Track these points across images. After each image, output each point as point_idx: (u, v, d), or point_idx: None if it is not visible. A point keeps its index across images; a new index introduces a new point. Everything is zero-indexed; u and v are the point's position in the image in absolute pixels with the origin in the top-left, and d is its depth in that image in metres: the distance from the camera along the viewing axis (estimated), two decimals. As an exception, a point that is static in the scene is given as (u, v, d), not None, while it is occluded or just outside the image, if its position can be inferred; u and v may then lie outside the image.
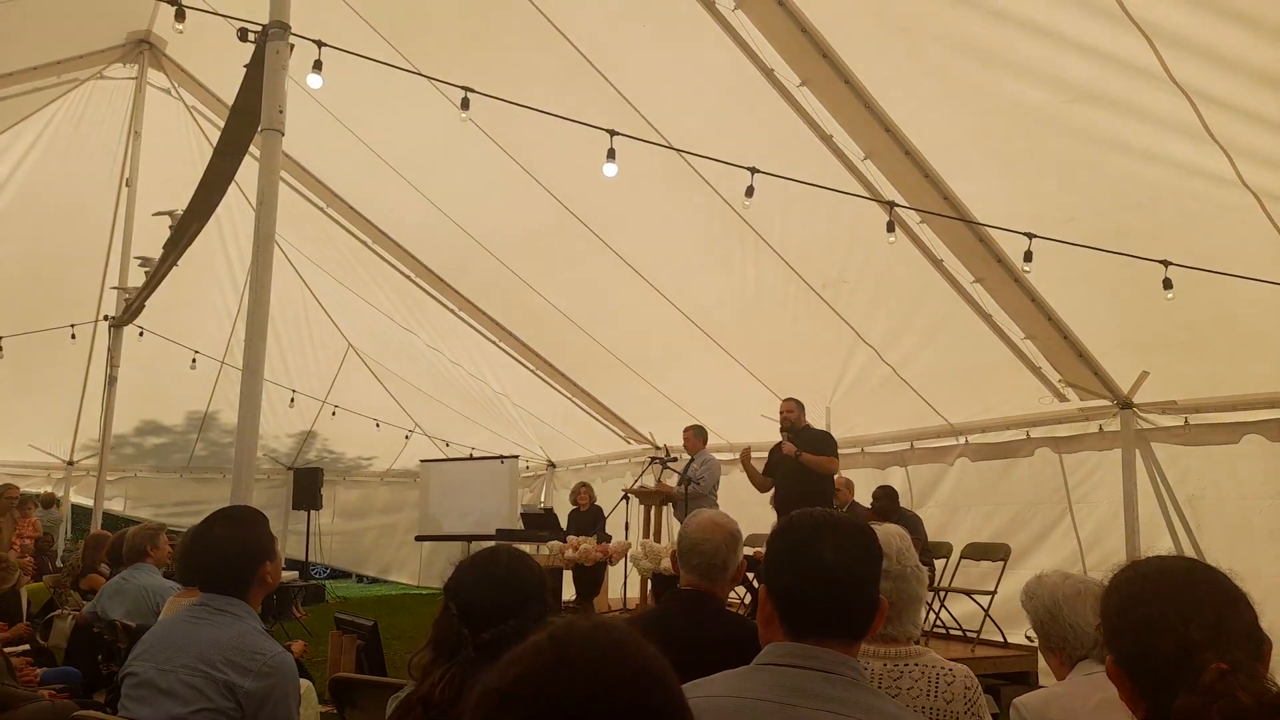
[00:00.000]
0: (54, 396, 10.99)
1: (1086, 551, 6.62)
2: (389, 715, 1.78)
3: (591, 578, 7.62)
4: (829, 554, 1.45)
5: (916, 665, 2.11)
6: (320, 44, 4.11)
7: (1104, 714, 1.86)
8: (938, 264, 5.86)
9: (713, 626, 2.33)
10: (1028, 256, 4.72)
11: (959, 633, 6.56)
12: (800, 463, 6.46)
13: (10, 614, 5.97)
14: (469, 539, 12.42)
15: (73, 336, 10.04)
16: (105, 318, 9.13)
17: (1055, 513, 6.86)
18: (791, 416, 6.77)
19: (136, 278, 8.19)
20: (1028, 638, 2.30)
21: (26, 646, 5.06)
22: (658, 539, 7.81)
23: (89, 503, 10.24)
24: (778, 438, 6.89)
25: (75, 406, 11.16)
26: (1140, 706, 1.30)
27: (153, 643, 2.22)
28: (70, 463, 11.84)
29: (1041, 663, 6.12)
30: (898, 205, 4.97)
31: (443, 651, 1.75)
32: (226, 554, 2.26)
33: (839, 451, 6.76)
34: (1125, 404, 6.17)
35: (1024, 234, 4.65)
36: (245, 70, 3.96)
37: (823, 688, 1.37)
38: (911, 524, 6.97)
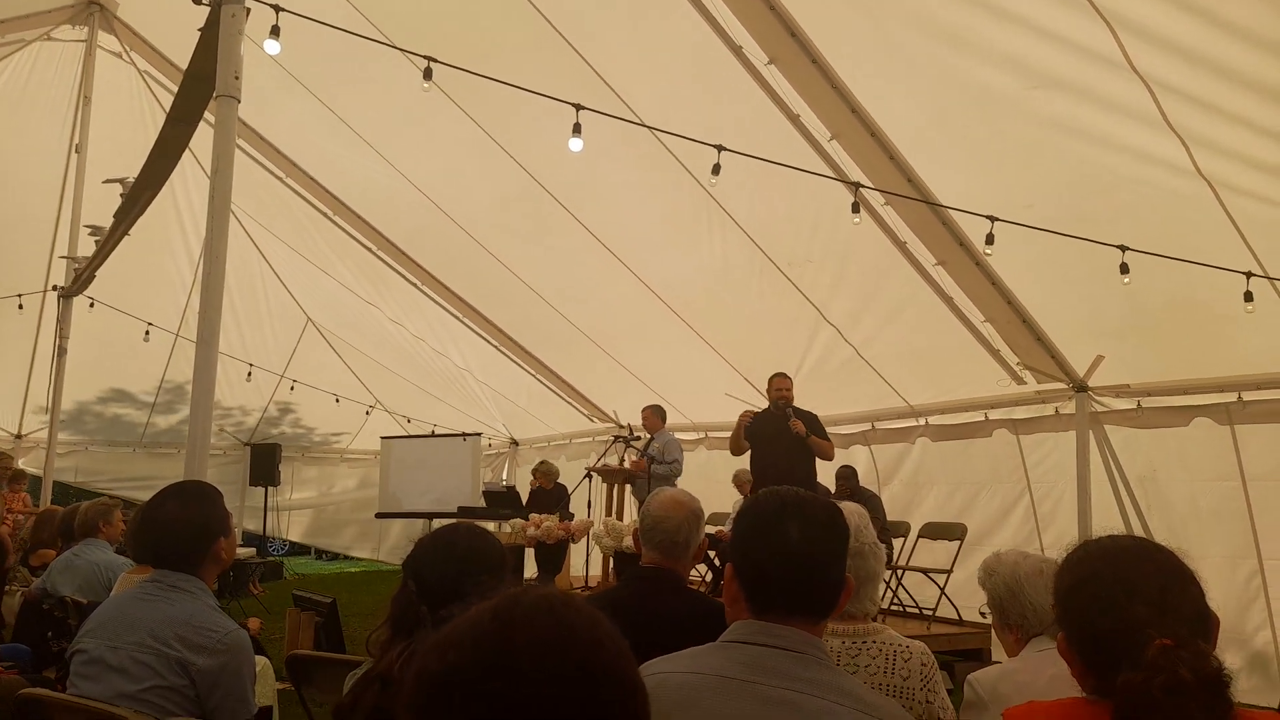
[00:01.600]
0: (1, 368, 10.69)
1: (1043, 530, 6.77)
2: (346, 692, 1.76)
3: (554, 555, 7.63)
4: (795, 533, 1.44)
5: (874, 642, 2.13)
6: (278, 9, 3.99)
7: (1055, 688, 1.89)
8: (901, 245, 5.90)
9: (675, 604, 2.34)
10: (989, 239, 4.77)
11: (915, 610, 6.67)
12: (797, 439, 6.32)
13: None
14: (430, 516, 12.37)
15: (20, 307, 9.74)
16: (54, 288, 8.88)
17: (1014, 493, 7.00)
18: (789, 394, 6.59)
19: (87, 247, 7.97)
20: (982, 614, 2.33)
21: (-27, 623, 4.94)
22: (620, 517, 7.83)
23: (38, 473, 9.98)
24: (739, 416, 6.85)
25: (23, 378, 10.87)
26: (1088, 682, 1.33)
27: (103, 619, 2.17)
28: (18, 436, 11.54)
29: (994, 640, 6.28)
30: (863, 186, 4.98)
31: (401, 628, 1.73)
32: (179, 530, 2.21)
33: None
34: (1081, 387, 6.28)
35: (986, 217, 4.70)
36: (200, 34, 3.84)
37: (788, 666, 1.37)
38: (870, 503, 7.07)
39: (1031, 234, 4.81)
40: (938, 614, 6.55)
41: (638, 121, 5.27)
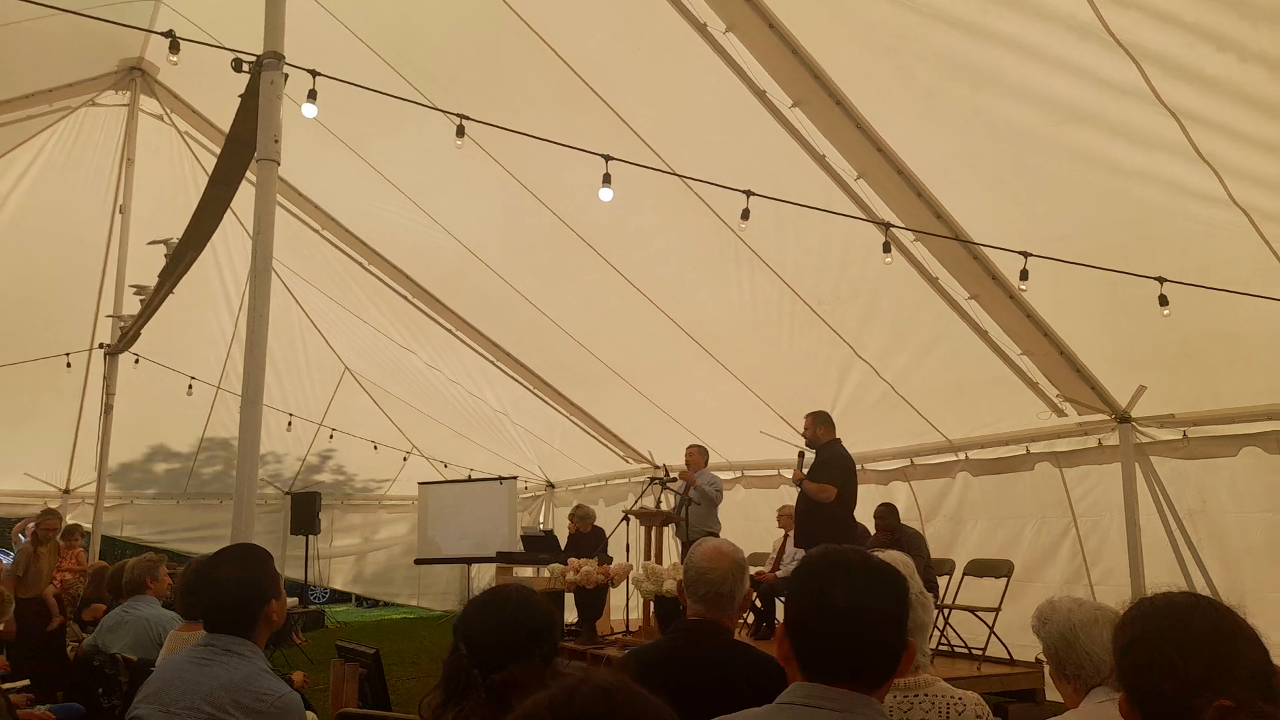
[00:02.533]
0: (49, 424, 10.95)
1: (1091, 565, 6.63)
2: (399, 758, 1.77)
3: (593, 601, 7.58)
4: (841, 598, 1.41)
5: (926, 696, 2.10)
6: (315, 74, 4.11)
7: (1116, 743, 1.86)
8: (932, 281, 5.88)
9: (723, 657, 2.33)
10: (1024, 275, 4.74)
11: (964, 650, 6.53)
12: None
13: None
14: (469, 561, 12.40)
15: (68, 365, 10.01)
16: (100, 345, 9.12)
17: (1060, 527, 6.86)
18: (808, 434, 6.53)
19: (131, 305, 8.19)
20: (1038, 660, 2.28)
21: (27, 682, 5.02)
22: (659, 560, 7.79)
23: (87, 527, 10.16)
24: (778, 455, 6.89)
25: (71, 434, 11.11)
26: None
27: (160, 685, 2.21)
28: (66, 491, 11.77)
29: (1048, 679, 6.13)
30: (893, 226, 4.99)
31: (453, 693, 1.74)
32: (233, 593, 2.25)
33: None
34: (1124, 418, 6.18)
35: (1019, 253, 4.68)
36: (240, 100, 3.97)
37: None
38: (914, 542, 6.97)
39: (1066, 266, 4.78)
40: (987, 653, 6.41)
41: (666, 170, 5.34)
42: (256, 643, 2.27)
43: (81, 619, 6.92)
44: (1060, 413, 6.45)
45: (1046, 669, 2.22)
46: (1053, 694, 6.02)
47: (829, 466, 6.35)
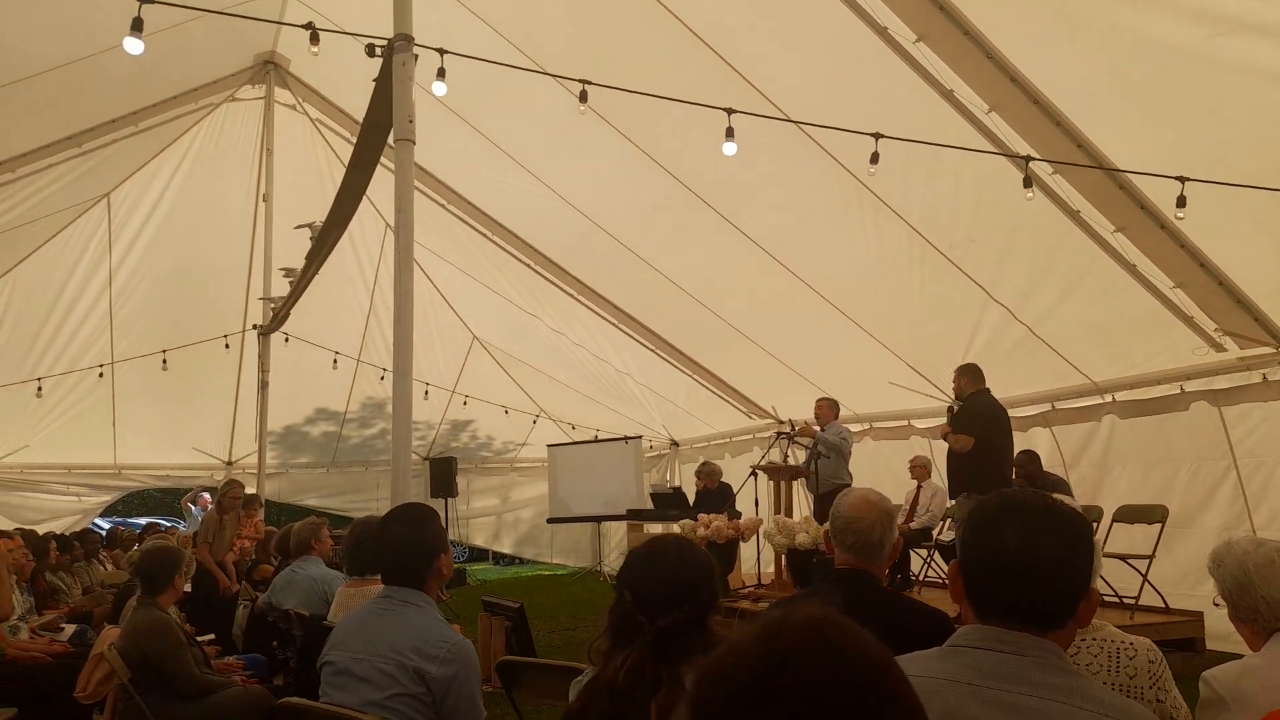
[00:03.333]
0: (212, 402, 11.82)
1: (1254, 509, 6.22)
2: (574, 699, 1.86)
3: (725, 555, 7.66)
4: (1012, 540, 1.38)
5: (1095, 640, 2.05)
6: (442, 51, 4.23)
7: (1309, 688, 1.77)
8: (1074, 215, 5.58)
9: (878, 608, 2.33)
10: (1180, 202, 4.43)
11: (1115, 600, 6.28)
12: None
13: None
14: (600, 519, 12.72)
15: (226, 346, 10.76)
16: (254, 326, 9.74)
17: (1219, 470, 6.46)
18: (955, 387, 6.61)
19: (280, 287, 8.69)
20: (1216, 604, 2.18)
21: (213, 635, 5.49)
22: (789, 514, 7.79)
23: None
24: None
25: (231, 410, 11.96)
26: None
27: (346, 634, 2.39)
28: (229, 463, 12.71)
29: (1208, 629, 5.83)
30: (1033, 159, 4.75)
31: (621, 638, 1.81)
32: (405, 550, 2.41)
33: (1008, 416, 6.53)
34: (1292, 350, 5.74)
35: (1176, 178, 4.37)
36: (374, 84, 4.13)
37: (1020, 670, 1.34)
38: (1057, 489, 6.71)
39: (1222, 191, 4.44)
40: (1140, 602, 6.14)
41: (788, 119, 5.24)
42: (428, 593, 2.42)
43: (252, 579, 7.52)
44: (1219, 347, 6.04)
45: (1222, 612, 2.12)
46: (1214, 643, 5.73)
47: (968, 417, 6.35)
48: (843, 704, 0.75)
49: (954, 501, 6.61)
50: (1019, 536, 1.39)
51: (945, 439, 6.49)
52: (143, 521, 16.00)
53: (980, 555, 1.44)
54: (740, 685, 0.76)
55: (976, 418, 6.31)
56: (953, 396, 6.62)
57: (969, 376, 6.50)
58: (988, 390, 6.48)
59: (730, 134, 4.48)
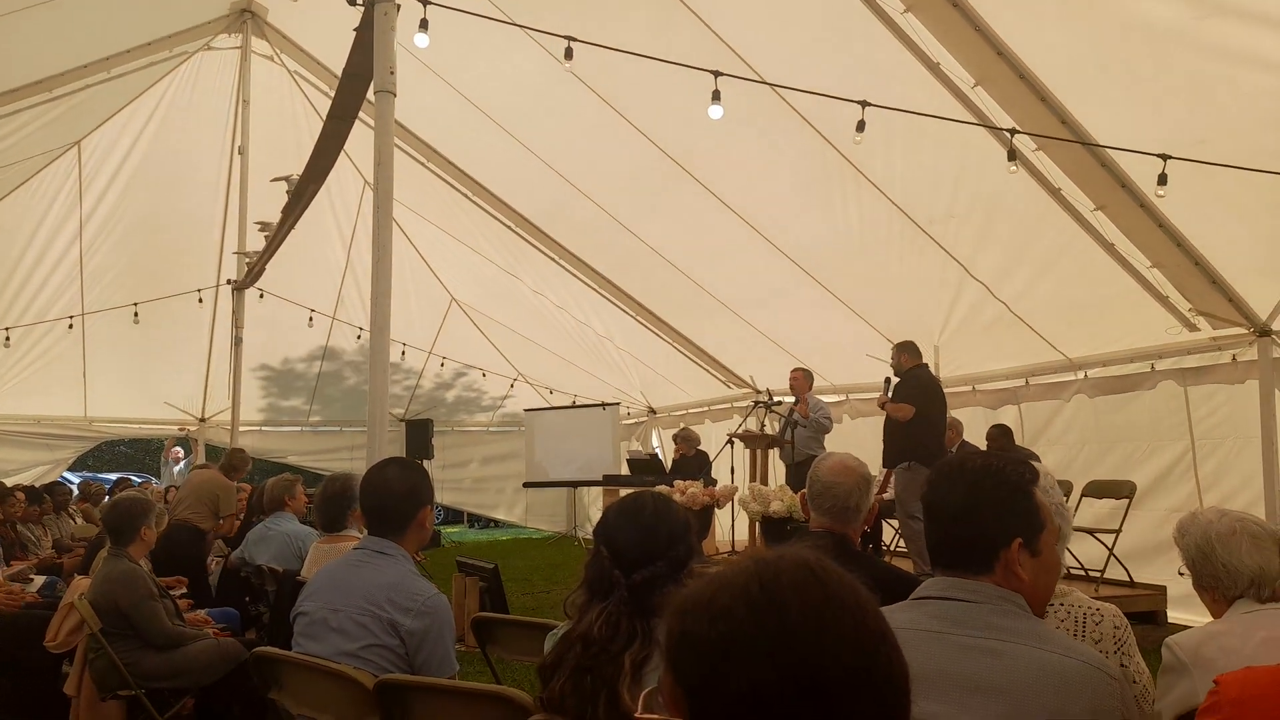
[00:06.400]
0: (185, 357, 11.66)
1: (1205, 491, 6.34)
2: (548, 651, 1.87)
3: (700, 522, 7.73)
4: (934, 493, 1.56)
5: (1062, 605, 2.09)
6: (426, 2, 4.15)
7: (1268, 652, 1.82)
8: (1055, 192, 5.60)
9: (849, 567, 2.35)
10: (1162, 180, 4.46)
11: (1081, 572, 6.41)
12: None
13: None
14: (576, 484, 12.77)
15: (199, 300, 10.61)
16: (228, 281, 9.60)
17: (1176, 450, 6.58)
18: (893, 362, 6.99)
19: (255, 242, 8.56)
20: (1180, 574, 2.25)
21: (184, 590, 5.47)
22: (764, 482, 7.86)
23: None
24: (882, 377, 6.98)
25: (204, 365, 11.83)
26: None
27: (321, 584, 2.39)
28: (202, 419, 12.59)
29: (1169, 601, 5.96)
30: (1017, 132, 4.75)
31: (597, 592, 1.83)
32: (397, 490, 2.44)
33: (944, 392, 6.93)
34: (1263, 331, 5.83)
35: (1158, 155, 4.39)
36: (354, 34, 4.04)
37: (982, 616, 1.42)
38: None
39: (1202, 172, 4.48)
40: (1106, 575, 6.27)
41: (776, 85, 5.20)
42: (406, 547, 2.43)
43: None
44: (1193, 327, 6.13)
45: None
46: (1175, 614, 5.88)
47: (907, 389, 6.75)
48: (841, 640, 0.78)
49: (889, 470, 6.94)
50: (936, 490, 1.57)
51: (883, 408, 6.85)
52: (113, 477, 15.85)
53: (925, 507, 1.59)
54: (738, 621, 0.79)
55: (915, 390, 6.68)
56: (891, 371, 6.98)
57: (908, 353, 6.90)
58: (926, 366, 6.95)
59: (716, 96, 4.44)
